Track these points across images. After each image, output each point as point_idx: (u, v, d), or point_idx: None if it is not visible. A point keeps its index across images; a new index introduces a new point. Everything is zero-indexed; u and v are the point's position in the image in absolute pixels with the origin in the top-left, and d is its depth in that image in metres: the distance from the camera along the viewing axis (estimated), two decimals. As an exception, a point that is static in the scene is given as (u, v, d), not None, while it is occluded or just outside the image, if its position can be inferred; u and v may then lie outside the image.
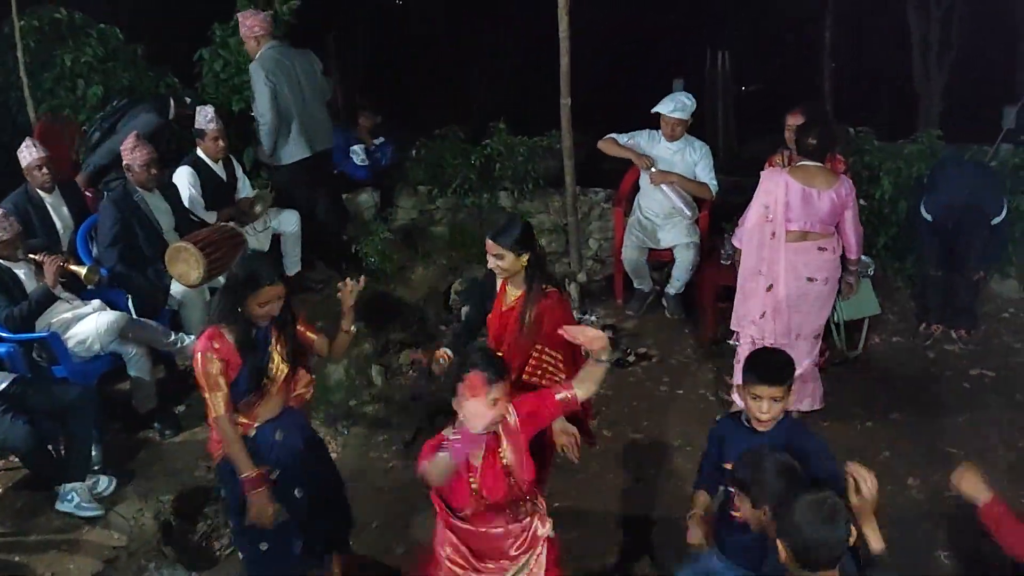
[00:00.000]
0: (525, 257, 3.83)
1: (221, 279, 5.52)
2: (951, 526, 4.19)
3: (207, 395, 3.57)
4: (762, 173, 5.08)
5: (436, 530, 3.37)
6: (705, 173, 6.24)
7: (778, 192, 4.84)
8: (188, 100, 6.45)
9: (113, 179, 5.99)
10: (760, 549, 3.12)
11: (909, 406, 5.42)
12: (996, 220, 5.81)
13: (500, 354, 3.36)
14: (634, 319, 6.50)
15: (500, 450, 3.16)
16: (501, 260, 3.83)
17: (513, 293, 3.96)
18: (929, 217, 5.86)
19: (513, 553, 3.25)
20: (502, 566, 3.26)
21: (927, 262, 6.04)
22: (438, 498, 3.23)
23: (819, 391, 5.29)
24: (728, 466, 3.27)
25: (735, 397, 5.29)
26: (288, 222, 6.45)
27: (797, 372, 5.13)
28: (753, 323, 5.09)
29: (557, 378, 3.81)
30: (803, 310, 5.02)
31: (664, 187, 6.20)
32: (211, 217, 5.99)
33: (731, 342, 5.71)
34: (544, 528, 3.30)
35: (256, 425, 3.71)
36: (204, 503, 4.87)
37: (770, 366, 3.33)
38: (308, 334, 3.89)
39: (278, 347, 3.69)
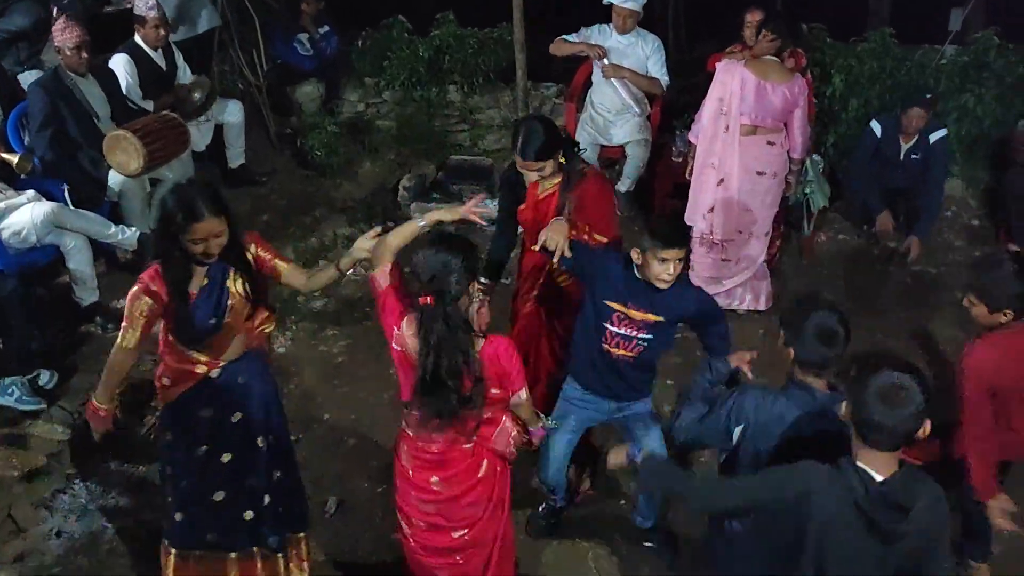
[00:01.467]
0: (560, 154, 3.78)
1: (165, 170, 5.42)
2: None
3: (124, 324, 3.18)
4: (717, 65, 5.07)
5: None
6: (656, 67, 6.16)
7: (733, 84, 4.86)
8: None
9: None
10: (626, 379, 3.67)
11: (854, 302, 5.54)
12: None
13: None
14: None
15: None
16: (543, 171, 3.78)
17: (549, 181, 3.86)
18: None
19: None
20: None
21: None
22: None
23: (768, 290, 5.38)
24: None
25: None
26: (231, 112, 6.28)
27: (749, 271, 5.27)
28: (703, 217, 5.13)
29: None
30: (754, 206, 5.07)
31: (615, 82, 6.11)
32: (149, 106, 5.77)
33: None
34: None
35: (220, 365, 3.34)
36: (150, 397, 4.80)
37: (675, 231, 3.46)
38: (275, 262, 3.35)
39: (236, 283, 3.24)
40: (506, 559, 3.48)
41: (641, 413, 3.84)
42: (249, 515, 3.45)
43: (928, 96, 5.66)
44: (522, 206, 3.99)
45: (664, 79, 6.16)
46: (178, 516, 3.45)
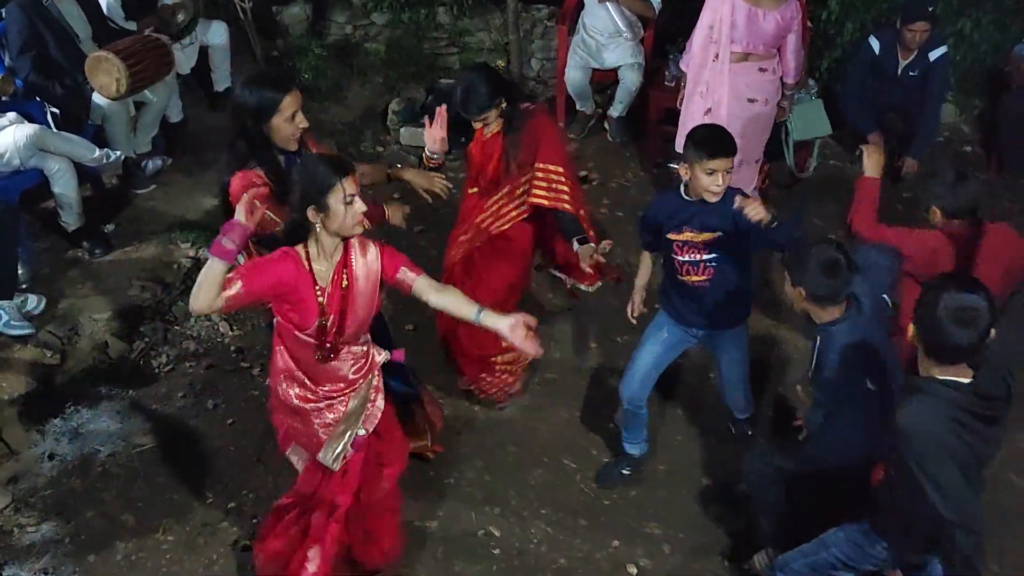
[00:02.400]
0: (502, 100, 3.80)
1: (148, 93, 5.32)
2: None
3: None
4: None
5: (271, 366, 3.26)
6: (648, -11, 6.04)
7: (723, 11, 4.74)
8: None
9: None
10: (706, 307, 3.69)
11: (842, 228, 5.51)
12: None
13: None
14: (576, 142, 6.40)
15: (345, 272, 3.01)
16: (488, 124, 3.84)
17: (495, 125, 3.89)
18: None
19: (351, 376, 3.18)
20: (340, 389, 3.18)
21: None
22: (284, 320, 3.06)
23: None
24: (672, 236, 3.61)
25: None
26: (216, 34, 6.15)
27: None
28: (688, 147, 5.09)
29: (565, 196, 3.86)
30: (746, 134, 5.01)
31: (608, 5, 5.99)
32: (133, 27, 5.64)
33: (672, 165, 5.71)
34: (380, 355, 3.26)
35: None
36: (140, 322, 4.81)
37: (722, 140, 3.50)
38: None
39: None
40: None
41: (730, 342, 3.89)
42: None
43: (931, 8, 5.51)
44: (471, 143, 4.02)
45: (656, 2, 6.04)
46: None
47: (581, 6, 6.22)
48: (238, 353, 4.80)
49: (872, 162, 3.92)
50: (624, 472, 4.09)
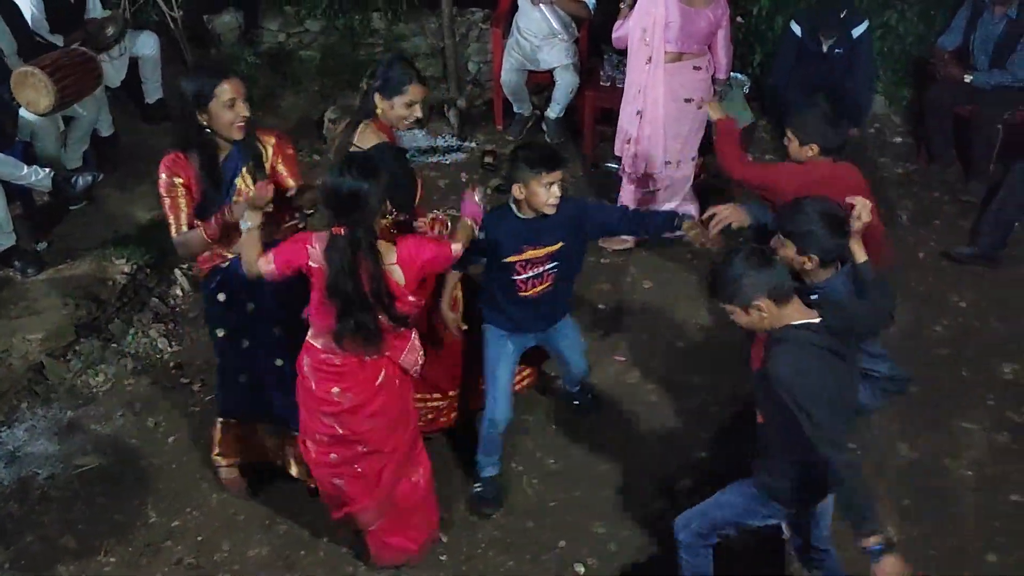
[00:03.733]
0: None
1: (78, 108, 5.22)
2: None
3: (169, 215, 3.37)
4: None
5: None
6: (583, -10, 6.07)
7: (657, 13, 4.75)
8: None
9: None
10: (546, 310, 3.79)
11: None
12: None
13: None
14: (515, 144, 6.42)
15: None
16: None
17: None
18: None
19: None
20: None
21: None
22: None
23: (697, 213, 5.41)
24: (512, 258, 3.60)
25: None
26: (145, 45, 6.05)
27: (677, 200, 5.30)
28: (624, 149, 5.14)
29: None
30: (682, 134, 5.08)
31: (542, 7, 6.02)
32: (59, 41, 5.53)
33: (610, 165, 5.75)
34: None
35: (231, 256, 3.49)
36: (75, 340, 4.72)
37: (551, 152, 3.53)
38: (288, 180, 3.52)
39: (245, 181, 3.40)
40: (405, 469, 3.54)
41: (565, 329, 3.99)
42: (272, 397, 3.72)
43: (842, 16, 5.70)
44: None
45: (591, 1, 6.08)
46: (217, 390, 3.97)
47: (515, 8, 6.24)
48: (178, 369, 4.74)
49: (713, 108, 4.31)
50: (494, 496, 4.04)
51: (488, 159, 6.18)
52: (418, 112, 3.65)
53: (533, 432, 4.38)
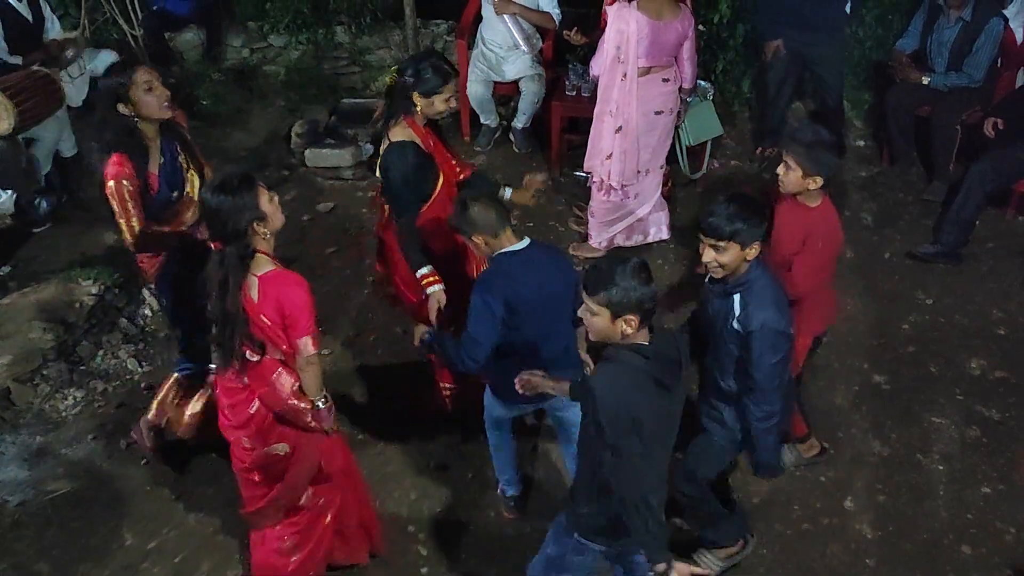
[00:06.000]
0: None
1: (39, 130, 5.17)
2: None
3: (121, 221, 3.60)
4: (608, 10, 5.01)
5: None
6: (547, 2, 6.11)
7: (629, 31, 4.79)
8: None
9: None
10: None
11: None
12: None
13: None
14: (482, 155, 6.44)
15: None
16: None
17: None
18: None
19: None
20: None
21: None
22: None
23: (667, 220, 5.47)
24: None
25: (588, 228, 5.42)
26: (105, 63, 5.98)
27: (648, 207, 5.34)
28: (602, 163, 5.16)
29: None
30: (651, 144, 5.13)
31: (507, 18, 6.04)
32: (18, 62, 5.47)
33: (578, 173, 5.78)
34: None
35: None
36: (42, 364, 4.64)
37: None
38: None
39: (183, 156, 3.77)
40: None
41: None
42: None
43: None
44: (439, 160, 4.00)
45: (556, 13, 6.12)
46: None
47: (479, 20, 6.27)
48: (148, 390, 4.67)
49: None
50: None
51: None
52: (454, 103, 3.78)
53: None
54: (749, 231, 3.07)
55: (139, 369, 4.80)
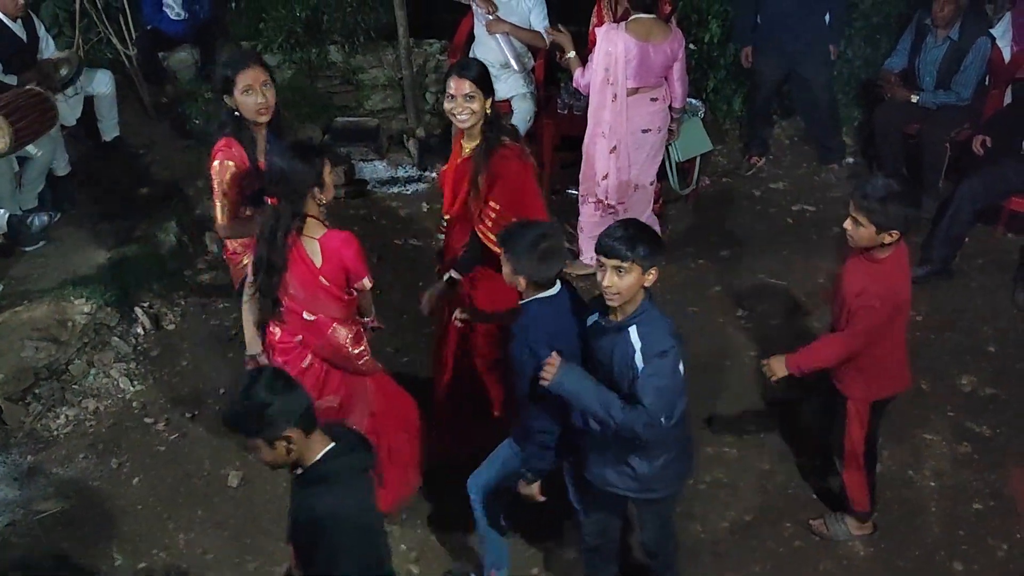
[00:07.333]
0: (489, 101, 3.62)
1: (32, 148, 5.17)
2: (774, 348, 4.43)
3: (216, 201, 3.73)
4: (597, 31, 5.05)
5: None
6: (539, 20, 6.11)
7: (618, 53, 4.84)
8: None
9: None
10: None
11: (737, 243, 5.71)
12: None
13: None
14: (474, 173, 6.46)
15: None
16: (472, 102, 3.56)
17: (469, 144, 3.70)
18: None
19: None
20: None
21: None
22: None
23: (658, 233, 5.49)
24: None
25: (579, 244, 5.45)
26: (101, 83, 6.02)
27: (642, 219, 5.34)
28: (597, 184, 5.20)
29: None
30: (640, 161, 5.17)
31: (498, 37, 6.08)
32: (13, 81, 5.48)
33: (571, 191, 5.81)
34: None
35: None
36: (34, 383, 4.64)
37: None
38: None
39: None
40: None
41: None
42: None
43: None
44: (444, 166, 3.97)
45: (546, 32, 6.14)
46: None
47: (472, 39, 6.30)
48: (141, 408, 4.68)
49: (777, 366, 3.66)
50: None
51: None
52: (460, 100, 3.59)
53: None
54: (651, 254, 2.93)
55: (131, 388, 4.79)
